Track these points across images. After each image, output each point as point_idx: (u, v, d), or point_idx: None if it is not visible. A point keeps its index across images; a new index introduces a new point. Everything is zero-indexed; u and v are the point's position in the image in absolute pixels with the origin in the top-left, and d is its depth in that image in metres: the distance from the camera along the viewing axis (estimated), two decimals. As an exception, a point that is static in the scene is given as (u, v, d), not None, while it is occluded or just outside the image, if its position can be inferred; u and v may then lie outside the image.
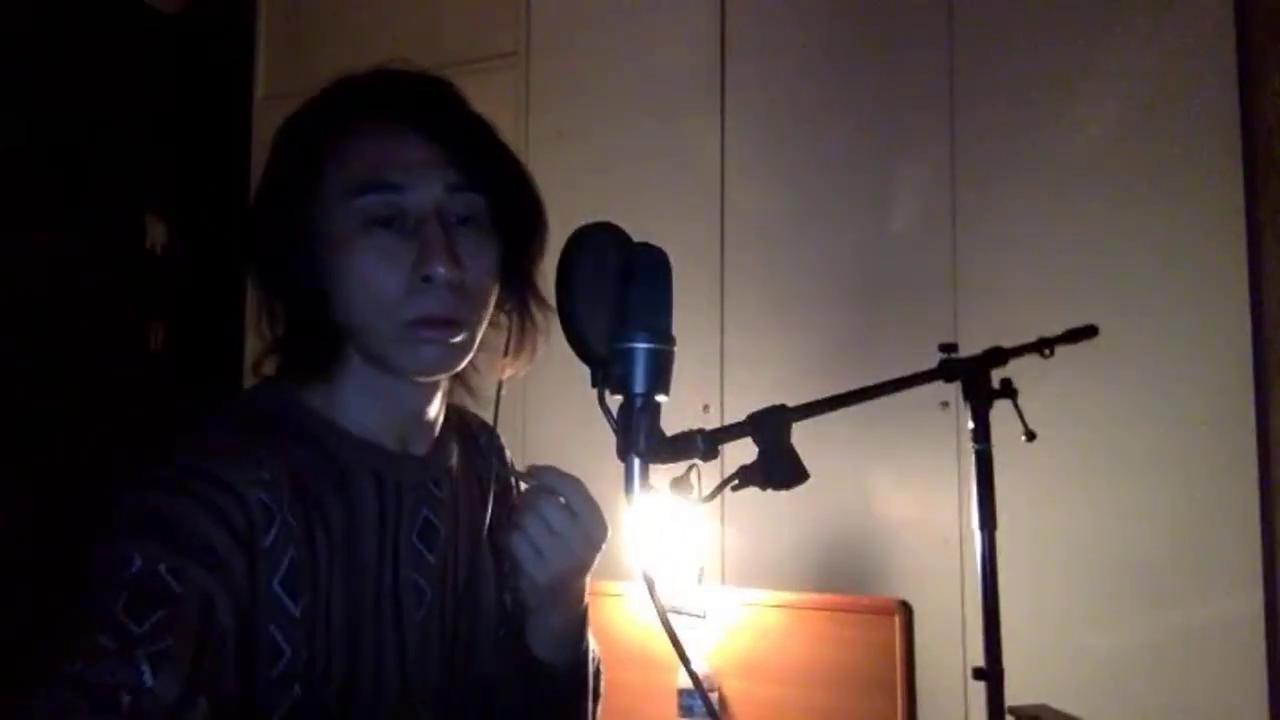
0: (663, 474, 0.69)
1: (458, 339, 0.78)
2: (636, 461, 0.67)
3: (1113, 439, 1.73)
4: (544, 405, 2.14)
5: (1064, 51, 1.83)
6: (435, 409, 0.85)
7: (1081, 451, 1.73)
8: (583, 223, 0.70)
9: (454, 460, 0.90)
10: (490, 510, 0.90)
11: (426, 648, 0.82)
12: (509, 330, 0.86)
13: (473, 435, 0.97)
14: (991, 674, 1.11)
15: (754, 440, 0.75)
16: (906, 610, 1.83)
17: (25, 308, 2.34)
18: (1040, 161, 1.82)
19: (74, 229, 2.47)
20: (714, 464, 0.72)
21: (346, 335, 0.78)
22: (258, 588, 0.69)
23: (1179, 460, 1.68)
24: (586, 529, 0.82)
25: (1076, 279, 1.77)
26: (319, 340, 0.78)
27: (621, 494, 0.67)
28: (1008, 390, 1.13)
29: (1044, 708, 1.29)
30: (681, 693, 1.90)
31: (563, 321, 0.68)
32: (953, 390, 1.12)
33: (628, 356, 0.66)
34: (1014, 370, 1.13)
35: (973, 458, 1.12)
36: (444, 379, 0.84)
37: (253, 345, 2.46)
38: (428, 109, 0.79)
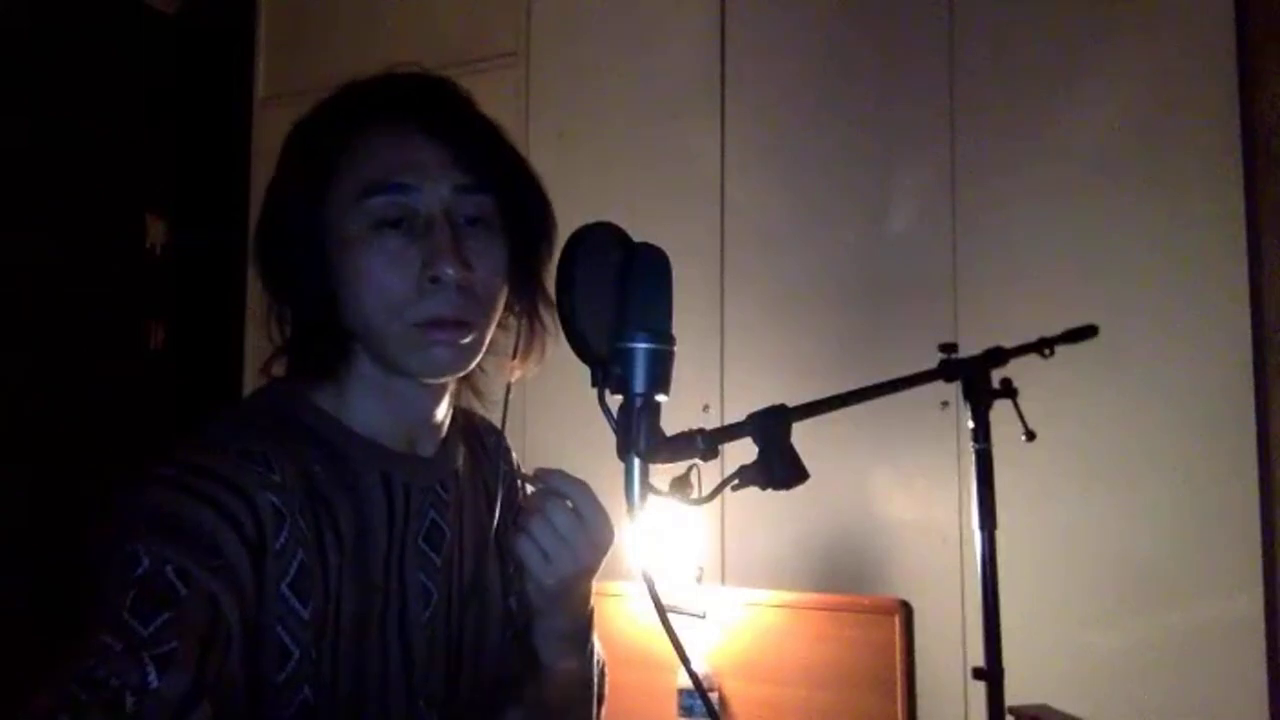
0: (663, 474, 0.69)
1: (466, 340, 0.78)
2: (636, 461, 0.66)
3: (1113, 439, 1.73)
4: (544, 405, 2.14)
5: (1064, 51, 1.83)
6: (443, 411, 0.85)
7: (1081, 451, 1.73)
8: (583, 223, 0.70)
9: (461, 462, 0.90)
10: (497, 513, 0.90)
11: (433, 650, 0.82)
12: (517, 332, 0.85)
13: (480, 437, 0.97)
14: (991, 674, 1.11)
15: (754, 440, 0.74)
16: (906, 610, 1.83)
17: (25, 307, 2.34)
18: (1040, 161, 1.82)
19: (74, 228, 2.47)
20: (714, 464, 0.72)
21: (355, 337, 0.78)
22: (266, 590, 0.69)
23: (1179, 460, 1.68)
24: (593, 533, 0.82)
25: (1076, 279, 1.77)
26: (328, 342, 0.78)
27: (622, 494, 0.67)
28: (1008, 390, 1.13)
29: (1044, 708, 1.29)
30: (681, 693, 1.90)
31: (563, 321, 0.68)
32: (953, 390, 1.12)
33: (628, 356, 0.66)
34: (1014, 370, 1.13)
35: (973, 457, 1.12)
36: (452, 381, 0.84)
37: (253, 344, 2.48)
38: (435, 111, 0.79)
